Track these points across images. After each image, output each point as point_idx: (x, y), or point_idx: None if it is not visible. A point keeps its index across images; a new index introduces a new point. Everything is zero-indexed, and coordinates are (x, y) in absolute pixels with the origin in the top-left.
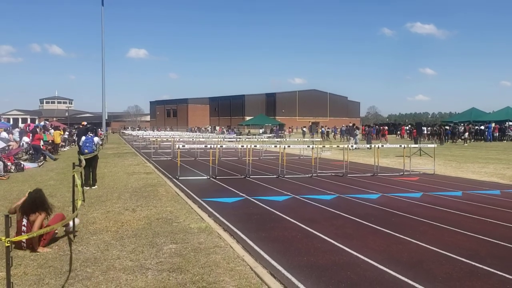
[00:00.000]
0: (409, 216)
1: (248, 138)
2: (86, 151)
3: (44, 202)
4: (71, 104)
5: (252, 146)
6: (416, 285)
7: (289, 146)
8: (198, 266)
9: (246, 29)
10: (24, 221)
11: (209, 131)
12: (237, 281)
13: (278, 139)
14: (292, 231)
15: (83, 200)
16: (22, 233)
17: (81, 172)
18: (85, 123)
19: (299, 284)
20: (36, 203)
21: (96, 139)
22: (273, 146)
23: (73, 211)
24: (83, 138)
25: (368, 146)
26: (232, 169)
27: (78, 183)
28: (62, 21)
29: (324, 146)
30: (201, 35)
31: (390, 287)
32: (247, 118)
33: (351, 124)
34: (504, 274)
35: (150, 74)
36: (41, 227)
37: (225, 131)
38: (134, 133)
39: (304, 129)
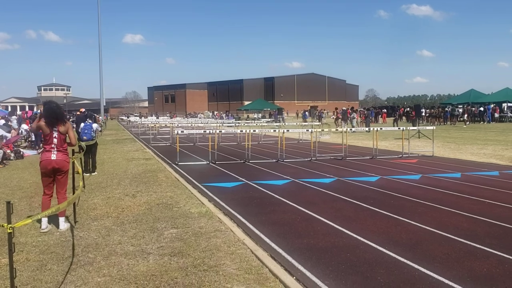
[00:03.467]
0: (408, 198)
1: (247, 123)
2: (84, 138)
3: (62, 111)
4: (69, 91)
5: (251, 131)
6: (415, 266)
7: (288, 131)
8: (199, 250)
9: (243, 14)
10: (55, 133)
11: (204, 116)
12: (238, 264)
13: (277, 123)
14: (292, 214)
15: (84, 187)
16: (53, 145)
17: (80, 159)
18: (83, 109)
19: (299, 266)
20: (56, 112)
21: (94, 125)
22: (272, 130)
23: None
24: (82, 124)
25: (367, 129)
26: (232, 154)
27: (79, 169)
28: (57, 8)
29: (323, 130)
30: (197, 20)
31: (389, 268)
32: (246, 102)
33: (345, 108)
34: (502, 254)
35: (147, 60)
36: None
37: (223, 116)
38: (141, 120)
39: (307, 112)
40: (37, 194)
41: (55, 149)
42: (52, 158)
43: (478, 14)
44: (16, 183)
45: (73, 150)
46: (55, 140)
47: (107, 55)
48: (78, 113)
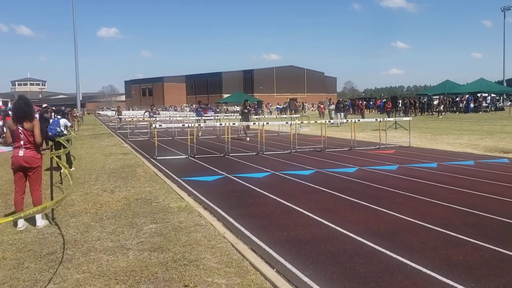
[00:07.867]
0: (385, 188)
1: (226, 116)
2: (49, 134)
3: (31, 108)
4: (45, 85)
5: (231, 124)
6: (393, 255)
7: (268, 123)
8: (179, 245)
9: (219, 5)
10: (20, 129)
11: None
12: (219, 258)
13: (257, 116)
14: (272, 206)
15: (61, 183)
16: (21, 142)
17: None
18: (45, 105)
19: (280, 259)
20: (22, 109)
21: (62, 121)
22: (252, 123)
23: (51, 195)
24: (51, 120)
25: (344, 120)
26: (211, 148)
27: (62, 164)
28: (28, 1)
29: (302, 122)
30: (173, 12)
31: (368, 258)
32: (225, 95)
33: (341, 99)
34: (477, 242)
35: (123, 53)
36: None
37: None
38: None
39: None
40: (13, 192)
41: (23, 146)
42: (20, 155)
43: (450, 6)
44: None
45: (51, 146)
46: (22, 136)
47: (82, 49)
48: (41, 108)
